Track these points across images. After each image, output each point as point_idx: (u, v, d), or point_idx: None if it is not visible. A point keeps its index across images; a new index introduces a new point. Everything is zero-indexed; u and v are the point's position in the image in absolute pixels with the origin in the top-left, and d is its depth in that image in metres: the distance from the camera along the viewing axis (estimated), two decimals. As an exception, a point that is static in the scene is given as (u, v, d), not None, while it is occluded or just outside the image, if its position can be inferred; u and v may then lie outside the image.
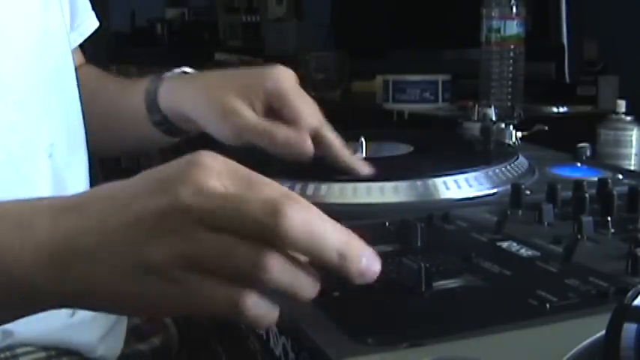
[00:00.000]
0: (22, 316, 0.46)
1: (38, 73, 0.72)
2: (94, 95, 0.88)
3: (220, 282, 0.40)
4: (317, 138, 0.74)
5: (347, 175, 0.73)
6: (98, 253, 0.41)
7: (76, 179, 0.76)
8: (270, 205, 0.40)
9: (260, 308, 0.41)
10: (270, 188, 0.42)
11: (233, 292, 0.40)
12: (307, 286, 0.42)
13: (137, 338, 0.79)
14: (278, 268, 0.40)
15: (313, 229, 0.41)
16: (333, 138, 0.75)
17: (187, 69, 0.84)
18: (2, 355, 0.67)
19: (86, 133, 0.81)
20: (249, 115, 0.73)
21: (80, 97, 0.81)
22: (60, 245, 0.42)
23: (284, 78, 0.75)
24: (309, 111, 0.74)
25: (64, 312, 0.70)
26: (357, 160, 0.75)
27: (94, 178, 0.81)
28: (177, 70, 0.83)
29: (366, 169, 0.74)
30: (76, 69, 0.81)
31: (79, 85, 0.81)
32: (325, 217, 0.42)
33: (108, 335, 0.74)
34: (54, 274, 0.42)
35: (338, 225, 0.42)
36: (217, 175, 0.42)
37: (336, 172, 0.74)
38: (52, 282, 0.42)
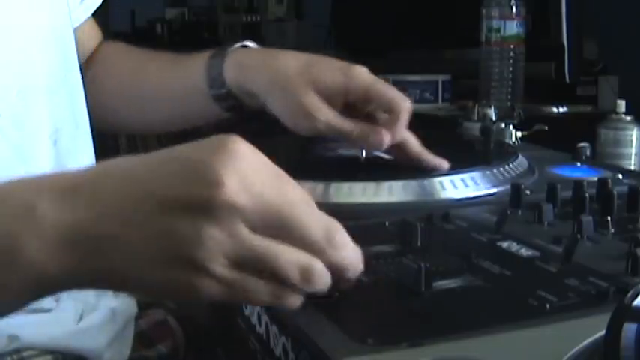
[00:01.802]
0: (36, 299, 0.44)
1: (42, 61, 0.72)
2: (134, 74, 0.87)
3: (275, 286, 0.41)
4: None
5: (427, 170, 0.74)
6: (127, 242, 0.39)
7: (80, 166, 0.76)
8: (327, 228, 0.42)
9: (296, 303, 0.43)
10: (295, 190, 0.43)
11: (284, 295, 0.42)
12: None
13: (144, 344, 0.79)
14: (321, 281, 0.42)
15: (351, 254, 0.45)
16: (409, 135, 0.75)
17: (250, 43, 0.83)
18: (9, 359, 0.67)
19: (90, 120, 0.80)
20: (329, 116, 0.73)
21: (84, 84, 0.80)
22: (70, 232, 0.40)
23: (365, 75, 0.75)
24: (399, 95, 0.75)
25: (71, 318, 0.70)
26: (432, 157, 0.76)
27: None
28: (238, 44, 0.82)
29: (444, 164, 0.75)
30: (79, 56, 0.80)
31: (82, 71, 0.80)
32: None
33: (115, 341, 0.74)
34: (68, 259, 0.40)
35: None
36: (256, 168, 0.40)
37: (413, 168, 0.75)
38: (68, 265, 0.40)
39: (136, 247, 0.39)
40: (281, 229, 0.41)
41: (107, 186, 0.41)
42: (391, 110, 0.74)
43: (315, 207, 0.44)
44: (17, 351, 0.67)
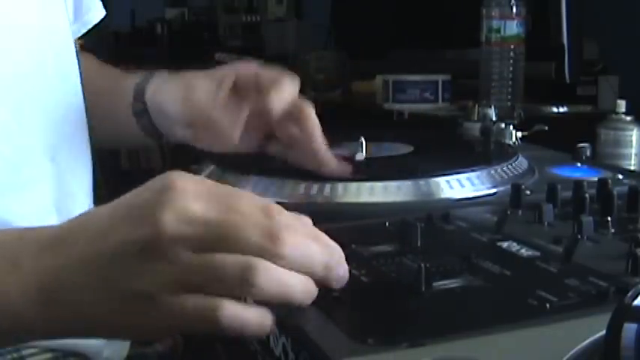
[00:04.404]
0: (9, 345, 0.48)
1: (38, 76, 0.72)
2: (88, 85, 0.88)
3: (200, 297, 0.41)
4: (296, 115, 0.74)
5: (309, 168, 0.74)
6: (84, 285, 0.42)
7: (79, 182, 0.76)
8: (267, 229, 0.42)
9: (240, 317, 0.42)
10: (249, 204, 0.44)
11: (209, 304, 0.41)
12: (298, 291, 0.44)
13: (142, 343, 0.79)
14: (267, 279, 0.42)
15: (306, 248, 0.44)
16: (313, 118, 0.75)
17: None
18: (9, 357, 0.67)
19: (90, 135, 0.80)
20: (216, 112, 0.75)
21: (84, 98, 0.80)
22: (45, 282, 0.43)
23: (252, 64, 0.77)
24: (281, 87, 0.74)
25: None
26: (329, 154, 0.75)
27: (95, 180, 0.81)
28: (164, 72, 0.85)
29: (333, 165, 0.74)
30: (81, 74, 0.80)
31: (82, 86, 0.80)
32: (307, 230, 0.46)
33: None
34: (42, 308, 0.43)
35: (320, 238, 0.46)
36: (195, 196, 0.42)
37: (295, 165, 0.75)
38: (41, 315, 0.43)
39: (98, 293, 0.42)
40: (223, 241, 0.42)
41: (75, 240, 0.44)
42: (275, 81, 0.74)
43: (285, 215, 0.44)
44: (17, 349, 0.67)
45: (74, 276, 0.43)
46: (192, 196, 0.42)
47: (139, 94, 0.83)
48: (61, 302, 0.43)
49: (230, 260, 0.41)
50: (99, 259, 0.42)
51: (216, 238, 0.42)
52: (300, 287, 0.44)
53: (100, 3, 0.90)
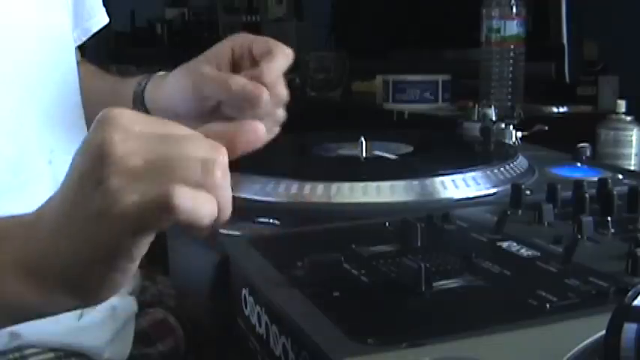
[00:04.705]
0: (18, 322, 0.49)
1: (39, 80, 0.72)
2: (87, 93, 0.88)
3: (148, 183, 0.41)
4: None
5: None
6: (56, 232, 0.44)
7: None
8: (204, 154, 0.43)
9: (195, 202, 0.42)
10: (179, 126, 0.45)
11: (161, 189, 0.41)
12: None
13: (144, 342, 0.79)
14: (223, 169, 0.43)
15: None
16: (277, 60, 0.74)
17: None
18: (11, 356, 0.67)
19: None
20: (208, 68, 0.74)
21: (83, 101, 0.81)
22: (29, 255, 0.45)
23: (247, 35, 0.76)
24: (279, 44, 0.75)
25: (71, 315, 0.70)
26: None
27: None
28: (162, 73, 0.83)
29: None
30: (80, 77, 0.80)
31: (81, 88, 0.81)
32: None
33: (115, 339, 0.74)
34: (31, 283, 0.45)
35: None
36: (134, 118, 0.44)
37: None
38: (35, 290, 0.45)
39: (70, 235, 0.44)
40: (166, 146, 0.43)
41: (50, 201, 0.47)
42: (269, 51, 0.74)
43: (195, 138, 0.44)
44: (19, 349, 0.67)
45: (46, 229, 0.45)
46: (132, 117, 0.44)
47: (138, 101, 0.82)
48: (45, 266, 0.44)
49: (192, 146, 0.43)
50: (64, 205, 0.44)
51: (164, 141, 0.43)
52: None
53: (104, 10, 0.90)
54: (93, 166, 0.43)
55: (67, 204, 0.44)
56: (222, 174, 0.43)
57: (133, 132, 0.43)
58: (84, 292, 0.45)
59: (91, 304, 0.48)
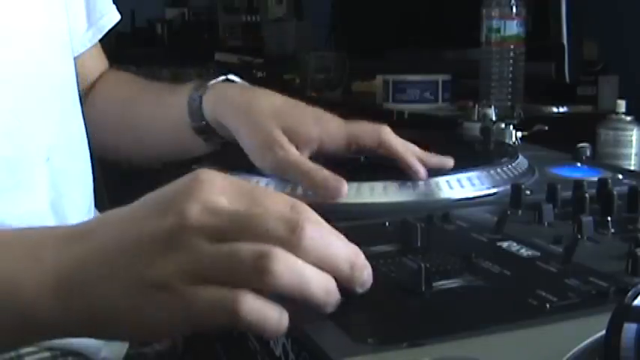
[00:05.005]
0: (28, 344, 0.47)
1: (40, 80, 0.72)
2: (120, 101, 0.87)
3: (218, 289, 0.40)
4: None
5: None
6: (101, 275, 0.42)
7: (74, 184, 0.76)
8: (289, 220, 0.42)
9: (259, 311, 0.41)
10: (275, 201, 0.43)
11: (228, 295, 0.40)
12: (317, 287, 0.42)
13: (141, 342, 0.79)
14: (284, 269, 0.40)
15: (330, 242, 0.43)
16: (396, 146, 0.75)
17: (233, 77, 0.83)
18: (7, 356, 0.67)
19: (89, 139, 0.80)
20: (293, 151, 0.72)
21: (81, 101, 0.80)
22: (65, 274, 0.43)
23: (339, 128, 0.76)
24: (374, 128, 0.76)
25: None
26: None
27: (97, 184, 0.81)
28: (222, 78, 0.82)
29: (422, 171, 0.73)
30: (77, 73, 0.80)
31: (79, 89, 0.81)
32: (333, 229, 0.44)
33: None
34: (58, 302, 0.43)
35: (343, 237, 0.45)
36: (221, 191, 0.42)
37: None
38: (56, 311, 0.43)
39: (116, 285, 0.42)
40: (244, 231, 0.41)
41: (97, 233, 0.44)
42: (380, 145, 0.74)
43: (310, 214, 0.44)
44: (15, 348, 0.67)
45: (94, 266, 0.42)
46: (218, 190, 0.42)
47: (195, 113, 0.79)
48: (77, 295, 0.42)
49: (247, 248, 0.41)
50: (121, 249, 0.42)
51: (238, 228, 0.41)
52: (319, 282, 0.42)
53: (114, 7, 0.90)
54: (164, 226, 0.41)
55: (126, 249, 0.42)
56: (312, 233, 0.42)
57: (217, 206, 0.42)
58: (104, 326, 0.44)
59: (100, 338, 0.47)
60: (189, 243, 0.40)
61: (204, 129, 0.80)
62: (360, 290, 0.45)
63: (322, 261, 0.42)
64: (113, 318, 0.42)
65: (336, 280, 0.44)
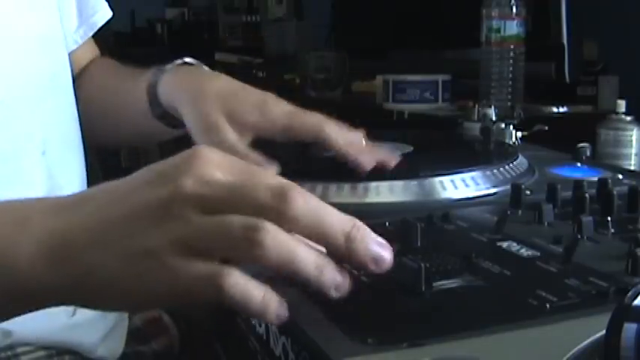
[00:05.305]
0: (20, 314, 0.46)
1: (29, 70, 0.72)
2: (101, 87, 0.87)
3: (206, 263, 0.41)
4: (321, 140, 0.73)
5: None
6: (96, 243, 0.42)
7: (70, 177, 0.76)
8: (277, 189, 0.41)
9: (243, 287, 0.41)
10: (271, 177, 0.43)
11: (214, 270, 0.41)
12: (308, 261, 0.42)
13: (138, 340, 0.80)
14: (274, 241, 0.40)
15: (319, 211, 0.42)
16: (335, 140, 0.73)
17: (189, 59, 0.82)
18: (3, 355, 0.67)
19: (82, 131, 0.80)
20: (230, 136, 0.72)
21: (75, 94, 0.80)
22: (58, 241, 0.43)
23: (280, 112, 0.73)
24: (317, 119, 0.73)
25: (63, 312, 0.70)
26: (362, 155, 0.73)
27: (93, 177, 0.81)
28: (178, 61, 0.81)
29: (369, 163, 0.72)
30: (71, 67, 0.80)
31: (74, 83, 0.81)
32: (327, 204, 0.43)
33: (108, 336, 0.74)
34: (52, 269, 0.43)
35: (338, 211, 0.43)
36: (218, 165, 0.43)
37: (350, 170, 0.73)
38: (50, 278, 0.43)
39: (109, 252, 0.42)
40: (235, 202, 0.42)
41: (90, 202, 0.44)
42: (317, 137, 0.72)
43: (302, 190, 0.43)
44: (11, 347, 0.67)
45: (87, 234, 0.42)
46: (214, 165, 0.43)
47: (153, 99, 0.79)
48: (70, 261, 0.42)
49: (237, 219, 0.41)
50: (115, 216, 0.42)
51: (230, 199, 0.42)
52: (309, 256, 0.42)
53: (106, 4, 0.90)
54: (158, 196, 0.42)
55: (120, 218, 0.43)
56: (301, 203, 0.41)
57: (210, 179, 0.42)
58: (95, 294, 0.44)
59: (89, 307, 0.47)
60: (182, 213, 0.41)
61: (163, 114, 0.80)
62: (370, 267, 0.43)
63: (314, 230, 0.42)
64: (103, 284, 0.42)
65: (336, 259, 0.43)
